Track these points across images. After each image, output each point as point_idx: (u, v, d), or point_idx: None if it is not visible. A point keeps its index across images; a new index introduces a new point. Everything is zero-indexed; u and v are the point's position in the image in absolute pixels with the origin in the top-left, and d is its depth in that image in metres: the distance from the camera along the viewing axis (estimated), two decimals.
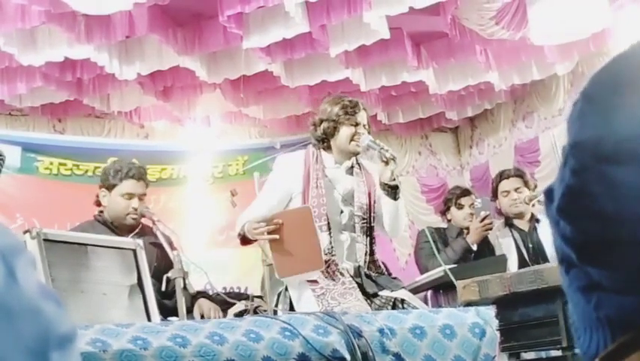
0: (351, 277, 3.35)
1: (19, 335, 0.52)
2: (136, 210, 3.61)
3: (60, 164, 7.01)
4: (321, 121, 3.56)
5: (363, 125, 3.52)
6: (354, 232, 3.47)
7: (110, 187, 3.67)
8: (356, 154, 3.56)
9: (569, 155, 0.58)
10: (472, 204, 4.72)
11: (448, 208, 4.90)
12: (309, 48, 5.84)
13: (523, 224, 4.67)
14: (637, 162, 0.53)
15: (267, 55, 5.88)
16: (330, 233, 3.39)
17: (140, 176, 3.72)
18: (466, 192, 4.94)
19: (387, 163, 3.38)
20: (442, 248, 4.53)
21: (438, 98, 7.34)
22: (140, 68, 5.91)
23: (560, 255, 0.60)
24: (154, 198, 6.78)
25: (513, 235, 4.63)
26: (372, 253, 3.50)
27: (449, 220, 4.92)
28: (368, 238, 3.50)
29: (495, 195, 4.76)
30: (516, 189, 4.66)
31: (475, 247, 4.51)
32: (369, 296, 3.33)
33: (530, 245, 4.59)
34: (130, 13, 5.28)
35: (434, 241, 4.38)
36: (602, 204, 0.54)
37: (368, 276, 3.40)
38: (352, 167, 3.58)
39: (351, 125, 3.49)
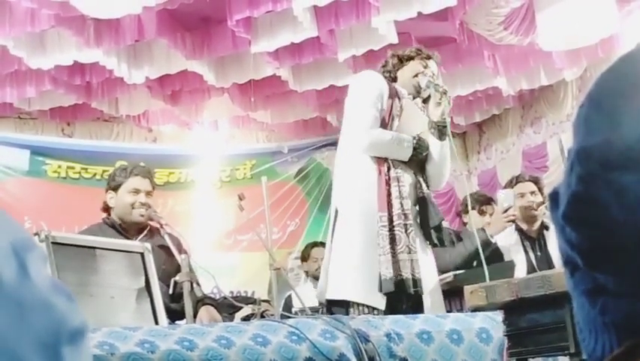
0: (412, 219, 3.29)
1: (31, 328, 0.52)
2: (143, 204, 3.57)
3: (68, 167, 7.04)
4: (393, 56, 3.59)
5: (432, 73, 3.52)
6: (417, 170, 3.43)
7: (116, 188, 3.64)
8: (417, 93, 3.48)
9: (575, 161, 0.57)
10: (492, 213, 4.68)
11: (468, 211, 4.80)
12: (317, 53, 5.85)
13: (532, 231, 4.64)
14: None
15: (275, 59, 5.89)
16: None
17: (145, 174, 3.69)
18: (491, 200, 4.90)
19: (440, 101, 3.33)
20: (457, 243, 4.48)
21: None
22: (149, 72, 5.94)
23: (564, 257, 0.59)
24: (161, 202, 6.80)
25: (522, 242, 4.59)
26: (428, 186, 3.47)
27: (465, 223, 4.86)
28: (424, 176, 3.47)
29: None
30: (532, 193, 4.62)
31: (494, 240, 4.42)
32: (429, 236, 3.35)
33: (539, 253, 4.55)
34: (139, 18, 5.30)
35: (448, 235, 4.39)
36: (609, 211, 0.53)
37: (430, 206, 3.37)
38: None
39: (421, 64, 3.52)
